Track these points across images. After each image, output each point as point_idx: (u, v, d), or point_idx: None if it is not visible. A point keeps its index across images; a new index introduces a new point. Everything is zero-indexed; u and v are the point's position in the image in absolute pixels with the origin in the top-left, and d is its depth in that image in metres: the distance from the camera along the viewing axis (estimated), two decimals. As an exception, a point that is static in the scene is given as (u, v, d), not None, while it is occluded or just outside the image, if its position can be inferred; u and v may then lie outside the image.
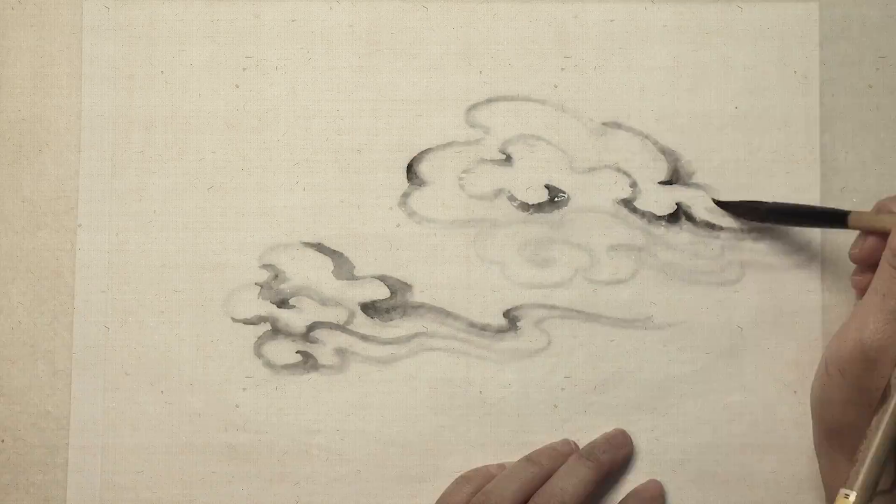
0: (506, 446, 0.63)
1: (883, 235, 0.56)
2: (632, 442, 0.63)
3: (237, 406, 0.63)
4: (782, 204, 0.62)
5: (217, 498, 0.63)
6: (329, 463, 0.63)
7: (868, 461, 0.51)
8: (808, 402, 0.63)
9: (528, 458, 0.62)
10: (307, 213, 0.64)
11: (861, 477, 0.50)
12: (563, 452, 0.62)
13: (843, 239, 0.63)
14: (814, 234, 0.63)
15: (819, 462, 0.59)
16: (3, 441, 0.63)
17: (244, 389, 0.63)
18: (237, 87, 0.64)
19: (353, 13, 0.64)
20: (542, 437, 0.63)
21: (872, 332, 0.55)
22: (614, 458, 0.62)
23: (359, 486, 0.63)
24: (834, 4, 0.64)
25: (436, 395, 0.63)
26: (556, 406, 0.63)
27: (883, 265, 0.56)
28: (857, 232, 0.59)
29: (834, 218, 0.59)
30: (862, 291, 0.58)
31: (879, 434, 0.51)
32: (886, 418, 0.52)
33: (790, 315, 0.63)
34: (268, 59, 0.64)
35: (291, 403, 0.63)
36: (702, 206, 0.63)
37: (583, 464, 0.61)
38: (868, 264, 0.58)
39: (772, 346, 0.63)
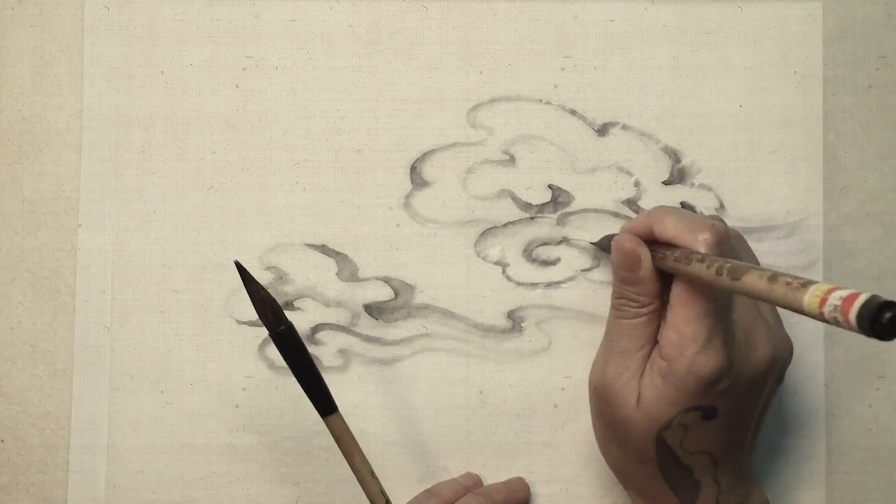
0: (506, 447, 0.63)
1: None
2: (529, 491, 0.63)
3: (237, 406, 0.63)
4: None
5: (217, 498, 0.63)
6: (329, 463, 0.63)
7: None
8: (808, 402, 0.63)
9: (429, 491, 0.62)
10: (307, 213, 0.64)
11: None
12: (465, 486, 0.62)
13: (845, 242, 0.63)
14: (816, 236, 0.63)
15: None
16: (3, 441, 0.63)
17: (244, 389, 0.63)
18: (237, 87, 0.64)
19: (353, 13, 0.64)
20: (543, 438, 0.63)
21: (598, 371, 0.58)
22: (507, 499, 0.62)
23: (359, 486, 0.63)
24: (836, 4, 0.64)
25: (436, 396, 0.63)
26: (556, 406, 0.63)
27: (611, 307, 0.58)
28: None
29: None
30: None
31: None
32: None
33: (792, 316, 0.63)
34: (268, 59, 0.64)
35: (292, 403, 0.63)
36: (705, 206, 0.63)
37: (476, 500, 0.61)
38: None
39: (772, 346, 0.63)
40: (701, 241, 0.53)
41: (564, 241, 0.64)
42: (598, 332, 0.63)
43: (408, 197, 0.64)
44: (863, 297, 0.40)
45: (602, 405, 0.57)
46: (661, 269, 0.55)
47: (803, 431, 0.63)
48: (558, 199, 0.64)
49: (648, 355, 0.55)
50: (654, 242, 0.56)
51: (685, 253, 0.53)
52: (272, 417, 0.63)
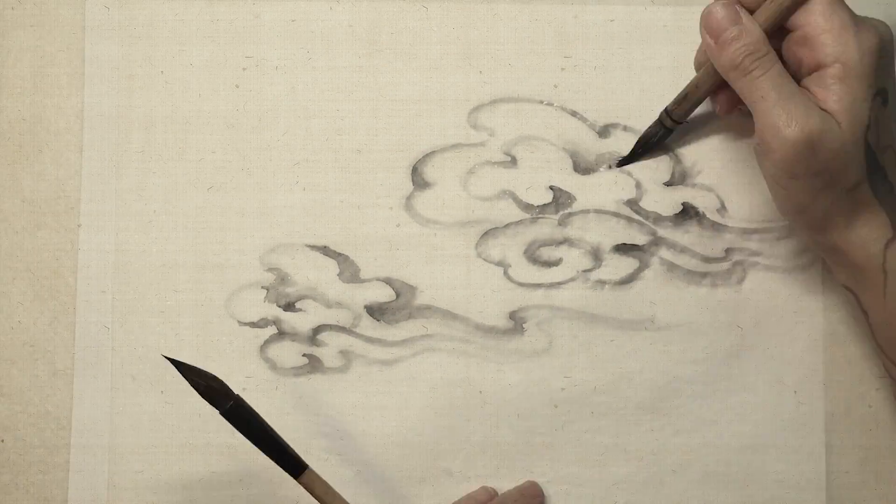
0: (507, 447, 0.63)
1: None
2: (543, 493, 0.63)
3: (238, 406, 0.63)
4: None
5: (217, 498, 0.63)
6: (329, 463, 0.63)
7: None
8: (810, 402, 0.63)
9: None
10: (307, 213, 0.64)
11: None
12: (480, 501, 0.62)
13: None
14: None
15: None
16: (3, 441, 0.63)
17: (244, 389, 0.63)
18: (237, 87, 0.64)
19: (353, 13, 0.64)
20: (543, 438, 0.63)
21: (798, 124, 0.54)
22: None
23: (359, 486, 0.63)
24: (835, 5, 0.64)
25: (437, 396, 0.63)
26: (556, 406, 0.63)
27: (737, 84, 0.57)
28: None
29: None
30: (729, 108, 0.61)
31: None
32: None
33: (792, 316, 0.64)
34: (268, 59, 0.64)
35: (292, 403, 0.63)
36: (707, 207, 0.63)
37: None
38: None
39: (773, 346, 0.63)
40: (853, 59, 0.54)
41: (566, 241, 0.64)
42: (598, 333, 0.63)
43: (409, 197, 0.64)
44: None
45: (810, 155, 0.54)
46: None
47: (803, 431, 0.63)
48: (559, 199, 0.64)
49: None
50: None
51: None
52: (272, 417, 0.63)
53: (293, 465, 0.57)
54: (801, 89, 0.55)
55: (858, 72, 0.54)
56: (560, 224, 0.63)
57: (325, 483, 0.57)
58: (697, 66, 0.61)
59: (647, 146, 0.63)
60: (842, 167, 0.54)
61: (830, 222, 0.56)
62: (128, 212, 0.64)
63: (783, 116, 0.54)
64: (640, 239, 0.64)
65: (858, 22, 0.54)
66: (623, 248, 0.64)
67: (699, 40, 0.63)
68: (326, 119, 0.64)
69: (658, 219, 0.64)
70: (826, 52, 0.54)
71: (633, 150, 0.63)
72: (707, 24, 0.57)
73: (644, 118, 0.64)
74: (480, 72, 0.64)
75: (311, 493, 0.57)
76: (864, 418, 0.64)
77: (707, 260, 0.63)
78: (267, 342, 0.63)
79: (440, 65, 0.64)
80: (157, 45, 0.64)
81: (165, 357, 0.56)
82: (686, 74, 0.64)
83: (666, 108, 0.62)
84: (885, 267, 0.56)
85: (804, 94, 0.55)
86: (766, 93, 0.55)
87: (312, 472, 0.57)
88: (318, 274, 0.64)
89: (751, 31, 0.55)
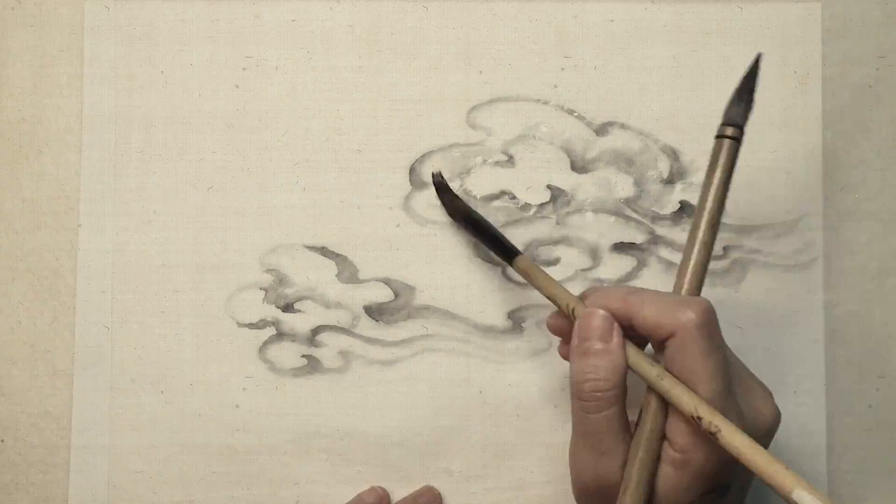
0: (507, 447, 0.63)
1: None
2: (440, 496, 0.63)
3: (237, 406, 0.63)
4: (480, 219, 0.62)
5: (217, 498, 0.63)
6: (329, 463, 0.63)
7: (633, 481, 0.50)
8: (809, 401, 0.63)
9: None
10: (307, 213, 0.64)
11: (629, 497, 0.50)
12: (367, 502, 0.62)
13: (844, 240, 0.63)
14: (815, 234, 0.63)
15: None
16: (3, 441, 0.63)
17: (244, 389, 0.63)
18: (237, 87, 0.64)
19: (353, 13, 0.64)
20: (543, 438, 0.63)
21: (575, 475, 0.53)
22: None
23: (359, 486, 0.63)
24: (835, 4, 0.64)
25: (436, 396, 0.63)
26: (556, 406, 0.63)
27: (572, 399, 0.53)
28: None
29: (505, 253, 0.60)
30: (566, 358, 0.56)
31: (637, 460, 0.51)
32: (642, 443, 0.51)
33: (791, 315, 0.64)
34: (268, 59, 0.64)
35: (292, 403, 0.63)
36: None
37: None
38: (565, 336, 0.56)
39: (773, 346, 0.63)
40: (688, 320, 0.49)
41: (564, 240, 0.63)
42: (598, 332, 0.63)
43: (407, 197, 0.64)
44: None
45: (605, 497, 0.52)
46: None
47: (804, 431, 0.63)
48: (557, 199, 0.64)
49: (628, 442, 0.52)
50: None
51: (654, 367, 0.51)
52: (272, 418, 0.63)
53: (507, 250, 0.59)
54: (621, 443, 0.52)
55: (697, 471, 0.50)
56: (558, 223, 0.63)
57: (538, 268, 0.57)
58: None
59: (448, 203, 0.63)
60: None
61: None
62: (127, 212, 0.64)
63: (586, 461, 0.52)
64: (638, 237, 0.64)
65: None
66: (621, 247, 0.63)
67: (699, 40, 0.64)
68: (326, 119, 0.64)
69: (656, 217, 0.64)
70: (672, 436, 0.50)
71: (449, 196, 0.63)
72: (581, 321, 0.53)
73: (644, 118, 0.64)
74: (480, 72, 0.64)
75: (527, 278, 0.57)
76: (865, 418, 0.64)
77: (706, 258, 0.64)
78: (266, 343, 0.63)
79: (440, 65, 0.64)
80: (157, 45, 0.64)
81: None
82: (686, 74, 0.64)
83: None
84: None
85: (619, 450, 0.51)
86: (587, 430, 0.52)
87: (526, 257, 0.58)
88: (316, 274, 0.64)
89: (612, 353, 0.52)
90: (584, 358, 0.52)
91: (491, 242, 0.61)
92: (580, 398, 0.52)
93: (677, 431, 0.50)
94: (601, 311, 0.52)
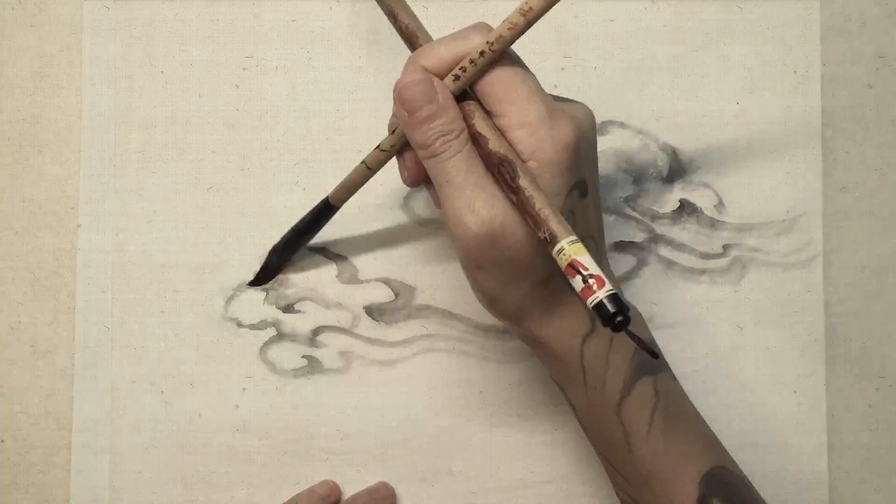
0: (507, 447, 0.63)
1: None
2: (395, 494, 0.63)
3: (237, 406, 0.63)
4: (287, 236, 0.63)
5: (217, 498, 0.63)
6: (329, 463, 0.63)
7: (550, 214, 0.48)
8: (809, 401, 0.63)
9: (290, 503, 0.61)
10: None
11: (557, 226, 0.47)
12: (320, 495, 0.62)
13: (844, 239, 0.63)
14: (815, 233, 0.63)
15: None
16: (3, 441, 0.63)
17: (244, 390, 0.63)
18: (237, 87, 0.64)
19: (353, 13, 0.64)
20: (543, 438, 0.63)
21: (480, 215, 0.50)
22: None
23: (359, 486, 0.63)
24: (834, 3, 0.64)
25: (437, 396, 0.63)
26: (556, 406, 0.63)
27: (425, 164, 0.52)
28: None
29: (323, 211, 0.60)
30: (415, 180, 0.55)
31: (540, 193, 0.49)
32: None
33: (791, 315, 0.63)
34: (268, 59, 0.64)
35: (291, 403, 0.63)
36: (704, 204, 0.63)
37: None
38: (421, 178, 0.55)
39: (773, 345, 0.63)
40: (476, 40, 0.51)
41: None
42: (597, 332, 0.63)
43: (407, 198, 0.64)
44: (607, 290, 0.43)
45: (493, 247, 0.50)
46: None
47: (805, 430, 0.63)
48: (557, 197, 0.64)
49: (491, 177, 0.51)
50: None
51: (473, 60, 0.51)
52: (272, 418, 0.63)
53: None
54: (488, 176, 0.50)
55: (552, 169, 0.49)
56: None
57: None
58: (391, 128, 0.55)
59: (308, 226, 0.62)
60: (529, 261, 0.51)
61: (527, 314, 0.53)
62: (127, 212, 0.64)
63: (465, 205, 0.50)
64: (637, 236, 0.64)
65: (555, 114, 0.50)
66: (621, 246, 0.64)
67: (699, 40, 0.64)
68: (326, 119, 0.64)
69: (655, 216, 0.64)
70: (520, 149, 0.50)
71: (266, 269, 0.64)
72: (401, 98, 0.51)
73: (644, 117, 0.64)
74: (480, 72, 0.64)
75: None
76: (865, 417, 0.64)
77: (705, 256, 0.63)
78: (266, 343, 0.63)
79: (440, 65, 0.64)
80: (157, 45, 0.64)
81: None
82: (686, 74, 0.64)
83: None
84: (584, 362, 0.53)
85: (490, 181, 0.50)
86: (452, 177, 0.51)
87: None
88: (316, 275, 0.64)
89: (445, 108, 0.51)
90: (421, 126, 0.51)
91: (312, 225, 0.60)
92: (433, 153, 0.51)
93: (519, 140, 0.50)
94: (413, 75, 0.51)
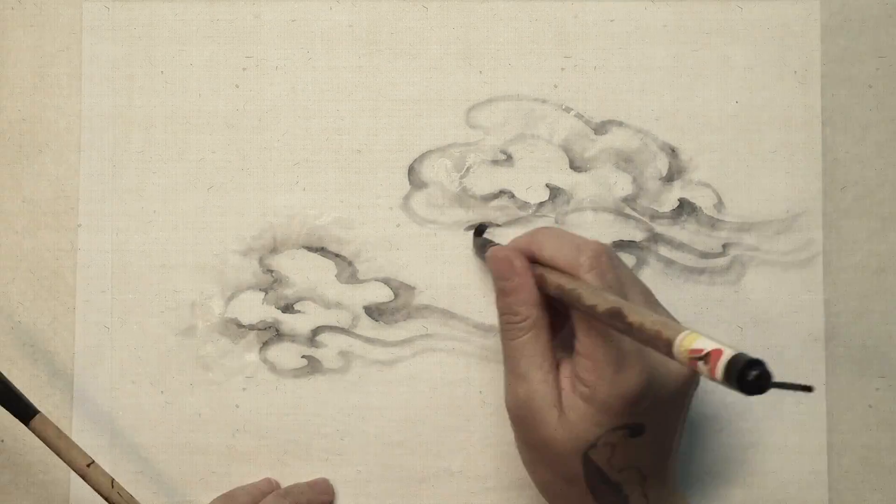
0: (507, 447, 0.63)
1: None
2: (334, 492, 0.63)
3: (237, 406, 0.63)
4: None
5: (217, 498, 0.63)
6: (329, 463, 0.63)
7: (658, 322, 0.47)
8: (809, 400, 0.63)
9: (227, 496, 0.61)
10: (307, 213, 0.64)
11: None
12: (262, 490, 0.62)
13: (844, 237, 0.63)
14: (815, 232, 0.63)
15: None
16: (3, 441, 0.63)
17: (244, 390, 0.63)
18: (237, 87, 0.64)
19: (353, 13, 0.64)
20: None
21: (513, 398, 0.56)
22: (311, 501, 0.62)
23: (359, 486, 0.63)
24: (834, 2, 0.64)
25: (437, 396, 0.63)
26: (556, 406, 0.63)
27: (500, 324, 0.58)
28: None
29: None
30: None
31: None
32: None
33: (791, 314, 0.63)
34: (268, 59, 0.64)
35: (292, 404, 0.63)
36: (703, 204, 0.63)
37: (279, 502, 0.60)
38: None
39: (773, 345, 0.63)
40: (581, 264, 0.54)
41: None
42: (597, 331, 0.63)
43: (407, 197, 0.64)
44: (728, 355, 0.41)
45: (523, 430, 0.56)
46: (544, 291, 0.56)
47: (804, 430, 0.63)
48: (557, 197, 0.63)
49: (552, 371, 0.55)
50: (539, 265, 0.57)
51: (568, 281, 0.54)
52: (272, 418, 0.63)
53: (23, 409, 0.57)
54: (542, 367, 0.55)
55: (601, 405, 0.52)
56: (557, 222, 0.63)
57: (56, 428, 0.57)
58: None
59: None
60: (553, 458, 0.55)
61: (558, 498, 0.57)
62: (127, 212, 0.64)
63: (509, 386, 0.56)
64: (637, 235, 0.63)
65: (627, 360, 0.52)
66: (620, 245, 0.63)
67: (699, 40, 0.64)
68: (326, 119, 0.64)
69: (655, 215, 0.63)
70: (578, 371, 0.53)
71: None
72: (492, 265, 0.58)
73: (643, 117, 0.64)
74: (480, 72, 0.64)
75: (44, 440, 0.57)
76: (866, 417, 0.63)
77: (705, 256, 0.63)
78: (266, 344, 0.63)
79: (440, 65, 0.64)
80: (157, 45, 0.64)
81: None
82: (685, 74, 0.64)
83: None
84: None
85: (540, 374, 0.55)
86: (507, 354, 0.57)
87: (44, 417, 0.57)
88: (316, 275, 0.64)
89: (517, 290, 0.56)
90: (500, 296, 0.57)
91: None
92: (501, 327, 0.57)
93: (582, 367, 0.53)
94: (501, 252, 0.57)
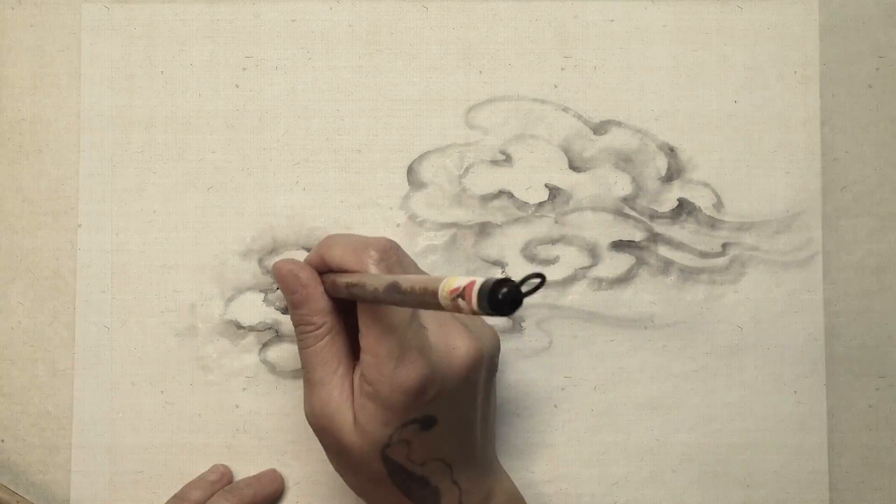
0: (506, 447, 0.63)
1: None
2: (283, 480, 0.63)
3: (237, 406, 0.63)
4: None
5: (217, 498, 0.63)
6: (329, 463, 0.63)
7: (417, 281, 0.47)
8: (808, 400, 0.63)
9: (178, 496, 0.61)
10: (307, 213, 0.64)
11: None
12: (210, 481, 0.62)
13: (843, 236, 0.63)
14: (814, 231, 0.63)
15: None
16: (3, 441, 0.63)
17: (244, 390, 0.63)
18: (237, 87, 0.64)
19: (353, 13, 0.64)
20: (543, 438, 0.63)
21: (310, 406, 0.56)
22: (257, 493, 0.62)
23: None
24: (833, 2, 0.64)
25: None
26: (556, 406, 0.63)
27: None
28: None
29: None
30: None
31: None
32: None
33: (791, 314, 0.63)
34: (268, 59, 0.64)
35: (292, 404, 0.63)
36: (703, 203, 0.63)
37: (225, 499, 0.61)
38: None
39: (772, 345, 0.63)
40: (370, 256, 0.54)
41: (562, 239, 0.63)
42: (597, 331, 0.63)
43: (406, 197, 0.64)
44: (478, 283, 0.41)
45: (324, 437, 0.56)
46: (337, 296, 0.55)
47: (804, 429, 0.63)
48: (556, 197, 0.63)
49: (347, 375, 0.55)
50: (330, 271, 0.56)
51: (351, 277, 0.53)
52: (272, 418, 0.63)
53: None
54: (337, 373, 0.55)
55: (384, 402, 0.52)
56: (557, 222, 0.63)
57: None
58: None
59: None
60: (356, 462, 0.55)
61: (375, 501, 0.57)
62: (127, 212, 0.64)
63: (307, 394, 0.56)
64: (636, 235, 0.63)
65: (408, 355, 0.52)
66: (620, 245, 0.63)
67: (699, 40, 0.64)
68: (326, 119, 0.64)
69: (654, 215, 0.63)
70: (364, 372, 0.53)
71: None
72: (278, 280, 0.57)
73: (643, 117, 0.64)
74: (480, 72, 0.64)
75: None
76: (866, 416, 0.63)
77: (704, 255, 0.63)
78: (266, 344, 0.63)
79: (440, 65, 0.64)
80: (157, 45, 0.64)
81: None
82: (685, 74, 0.64)
83: None
84: None
85: (336, 380, 0.55)
86: (303, 363, 0.56)
87: None
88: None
89: (307, 300, 0.56)
90: (291, 309, 0.57)
91: None
92: (297, 338, 0.57)
93: (366, 365, 0.53)
94: (285, 267, 0.57)
